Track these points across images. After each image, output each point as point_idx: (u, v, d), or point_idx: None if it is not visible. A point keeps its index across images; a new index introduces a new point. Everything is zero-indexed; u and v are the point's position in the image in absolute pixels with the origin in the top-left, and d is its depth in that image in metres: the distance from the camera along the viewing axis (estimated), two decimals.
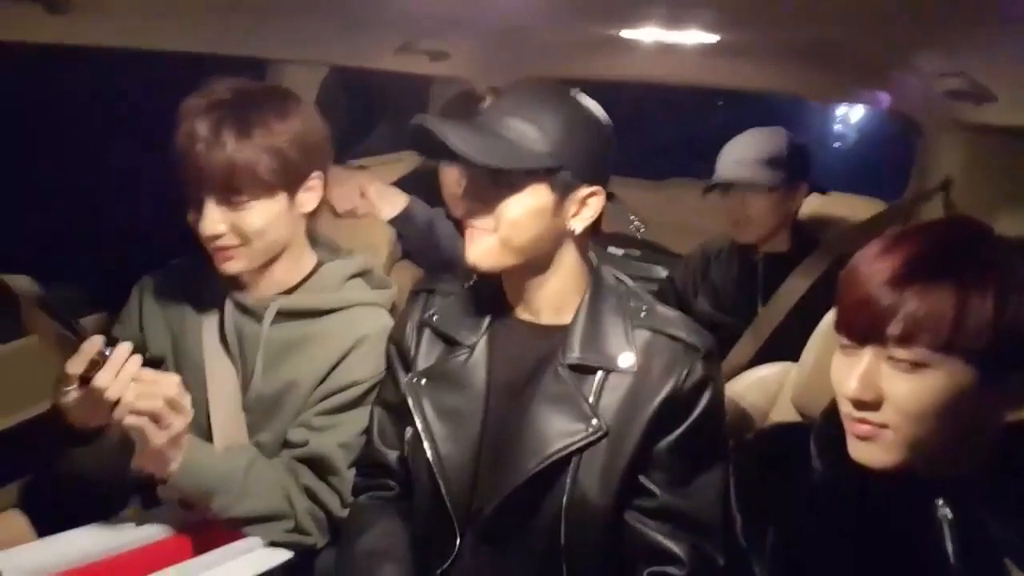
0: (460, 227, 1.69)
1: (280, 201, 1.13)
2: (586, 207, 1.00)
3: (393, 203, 1.60)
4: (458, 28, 1.77)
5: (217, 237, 1.09)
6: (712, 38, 1.70)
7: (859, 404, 0.76)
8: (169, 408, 0.97)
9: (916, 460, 0.76)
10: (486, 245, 0.98)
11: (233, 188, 1.07)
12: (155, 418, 0.96)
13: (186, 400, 1.00)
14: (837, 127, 6.46)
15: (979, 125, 1.55)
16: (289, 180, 1.13)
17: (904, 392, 0.74)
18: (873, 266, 0.77)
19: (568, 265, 1.04)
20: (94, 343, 0.94)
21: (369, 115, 2.62)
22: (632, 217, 2.31)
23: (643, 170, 2.76)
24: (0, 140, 1.67)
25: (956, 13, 1.12)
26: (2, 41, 0.97)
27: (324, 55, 1.63)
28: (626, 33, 1.72)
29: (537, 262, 1.02)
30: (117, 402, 0.94)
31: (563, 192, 0.98)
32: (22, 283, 0.91)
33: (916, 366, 0.73)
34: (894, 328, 0.73)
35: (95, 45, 1.12)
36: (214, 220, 1.08)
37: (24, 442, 1.29)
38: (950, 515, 0.78)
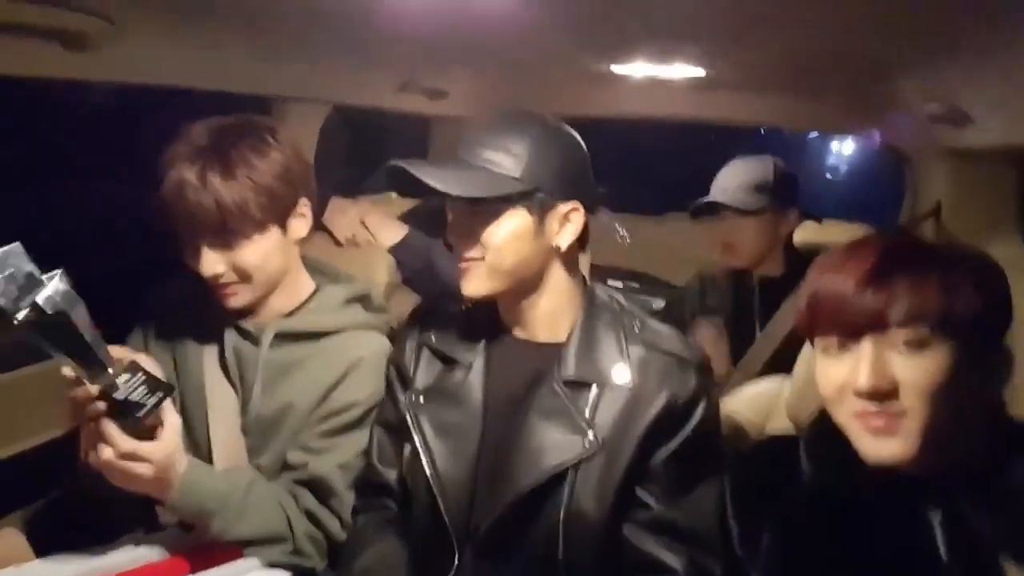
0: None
1: (273, 233, 1.15)
2: (568, 223, 1.04)
3: (392, 232, 1.65)
4: (455, 66, 1.84)
5: (217, 277, 1.12)
6: (700, 72, 1.76)
7: (875, 395, 0.76)
8: (127, 461, 0.95)
9: (927, 450, 0.76)
10: (478, 273, 1.02)
11: (226, 229, 1.09)
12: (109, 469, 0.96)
13: (151, 449, 0.96)
14: (829, 158, 6.57)
15: (961, 149, 1.59)
16: (278, 212, 1.15)
17: (917, 372, 0.75)
18: (849, 265, 0.80)
19: (558, 283, 1.07)
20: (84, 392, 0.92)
21: (370, 157, 2.69)
22: (617, 227, 2.35)
23: (642, 206, 2.82)
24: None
25: (936, 37, 1.17)
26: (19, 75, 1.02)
27: (326, 93, 1.70)
28: (617, 69, 1.79)
29: (527, 283, 1.05)
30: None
31: (541, 212, 1.01)
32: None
33: (920, 345, 0.75)
34: (897, 311, 0.75)
35: (110, 81, 1.17)
36: (212, 262, 1.11)
37: (30, 469, 1.30)
38: (941, 515, 0.79)
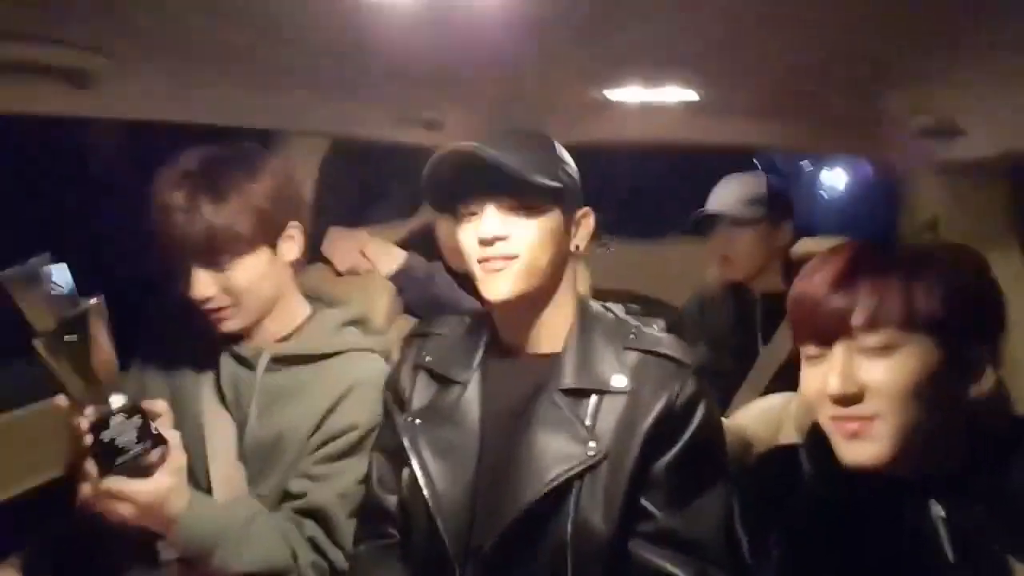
0: (458, 279, 1.74)
1: (263, 255, 1.17)
2: (582, 227, 1.08)
3: (392, 259, 1.65)
4: (450, 97, 1.87)
5: (208, 300, 1.13)
6: (692, 96, 1.79)
7: (843, 400, 0.77)
8: (107, 499, 0.95)
9: (904, 450, 0.76)
10: (510, 274, 1.01)
11: (216, 251, 1.11)
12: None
13: (135, 489, 0.96)
14: (823, 178, 6.61)
15: (954, 162, 1.60)
16: (268, 234, 1.17)
17: (882, 376, 0.76)
18: (819, 275, 0.82)
19: (567, 291, 1.09)
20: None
21: (377, 182, 2.73)
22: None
23: (639, 230, 2.83)
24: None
25: (925, 52, 1.19)
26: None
27: (325, 126, 1.72)
28: (611, 94, 1.81)
29: (546, 287, 1.05)
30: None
31: (569, 212, 1.05)
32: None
33: (888, 348, 0.76)
34: (858, 317, 0.76)
35: (114, 118, 1.19)
36: (203, 285, 1.12)
37: (29, 511, 1.29)
38: (944, 514, 0.78)
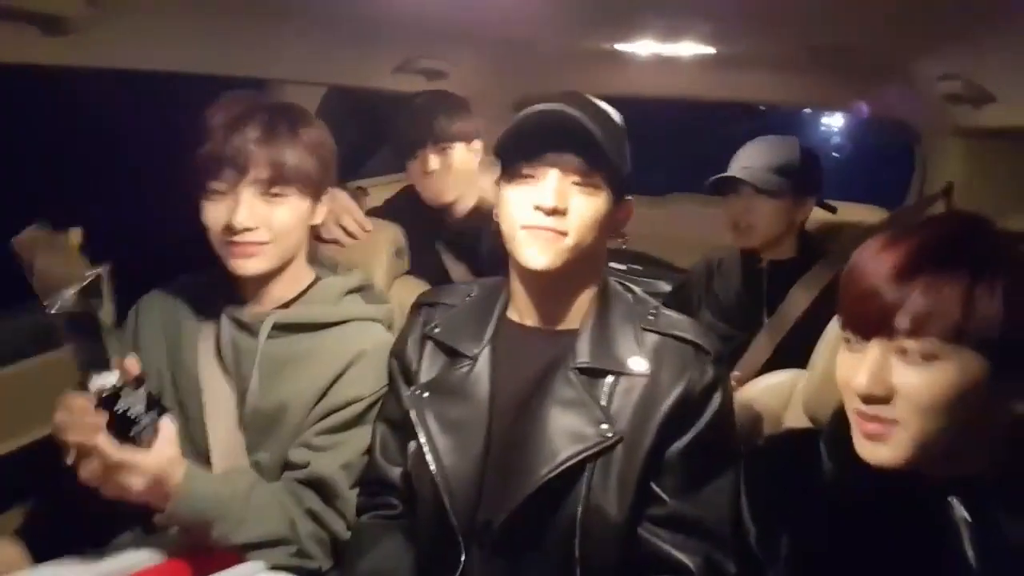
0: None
1: (306, 205, 1.17)
2: (624, 213, 1.06)
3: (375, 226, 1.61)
4: (455, 46, 1.78)
5: (247, 231, 1.11)
6: (709, 50, 1.71)
7: (869, 399, 0.74)
8: (115, 472, 0.93)
9: (924, 458, 0.74)
10: (557, 248, 0.97)
11: (280, 180, 1.12)
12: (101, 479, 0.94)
13: (142, 459, 0.95)
14: (834, 136, 6.49)
15: (979, 128, 1.54)
16: (317, 186, 1.18)
17: (915, 384, 0.72)
18: (876, 260, 0.76)
19: (595, 270, 1.06)
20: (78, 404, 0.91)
21: (372, 137, 2.63)
22: None
23: (643, 186, 2.76)
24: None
25: (952, 16, 1.12)
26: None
27: (321, 75, 1.65)
28: (623, 47, 1.73)
29: (581, 266, 1.02)
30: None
31: (619, 196, 1.03)
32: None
33: (927, 358, 0.71)
34: (902, 320, 0.71)
35: (92, 67, 1.12)
36: (248, 211, 1.10)
37: (26, 465, 1.27)
38: (967, 516, 0.76)
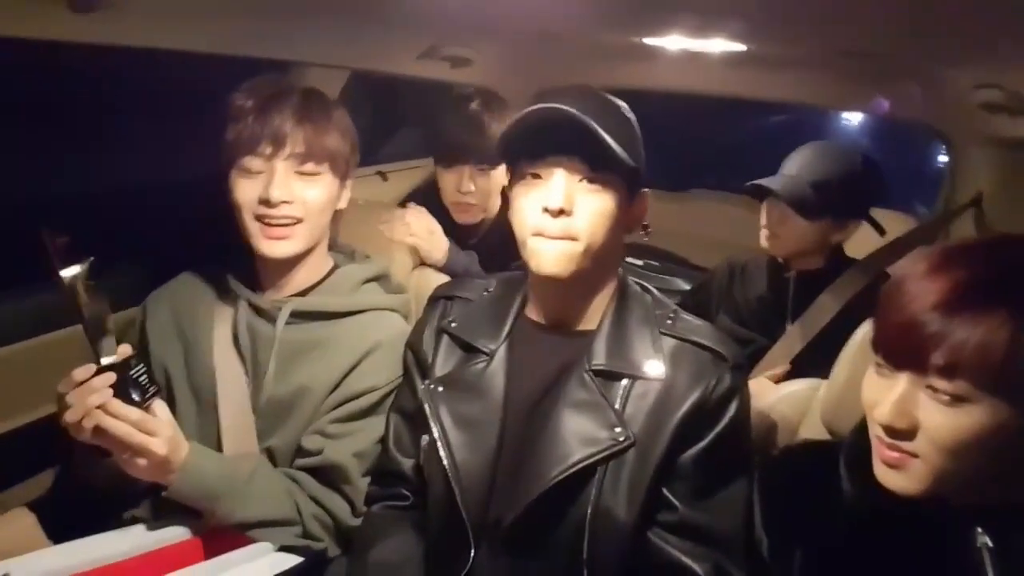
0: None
1: (336, 185, 1.19)
2: (639, 207, 1.04)
3: (438, 249, 1.60)
4: (482, 35, 1.76)
5: (284, 203, 1.12)
6: (739, 47, 1.67)
7: (890, 431, 0.72)
8: (136, 432, 0.95)
9: (943, 490, 0.73)
10: (569, 254, 0.96)
11: (314, 157, 1.13)
12: (121, 444, 0.95)
13: (158, 424, 0.98)
14: (863, 139, 6.36)
15: (1015, 139, 1.50)
16: (345, 168, 1.21)
17: (941, 425, 0.70)
18: (920, 286, 0.72)
19: (612, 270, 1.05)
20: (85, 371, 0.93)
21: (392, 119, 2.62)
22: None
23: (663, 181, 2.73)
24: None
25: (993, 23, 1.09)
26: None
27: (346, 59, 1.63)
28: (651, 41, 1.70)
29: (597, 267, 1.00)
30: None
31: (632, 191, 1.01)
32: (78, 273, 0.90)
33: (957, 399, 0.69)
34: (938, 358, 0.69)
35: (119, 44, 1.11)
36: (286, 186, 1.12)
37: (38, 439, 1.29)
38: (991, 543, 0.74)
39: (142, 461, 0.97)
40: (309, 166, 1.13)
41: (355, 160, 1.23)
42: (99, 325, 0.94)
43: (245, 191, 1.12)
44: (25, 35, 0.97)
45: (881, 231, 1.60)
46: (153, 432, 0.96)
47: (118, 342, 0.96)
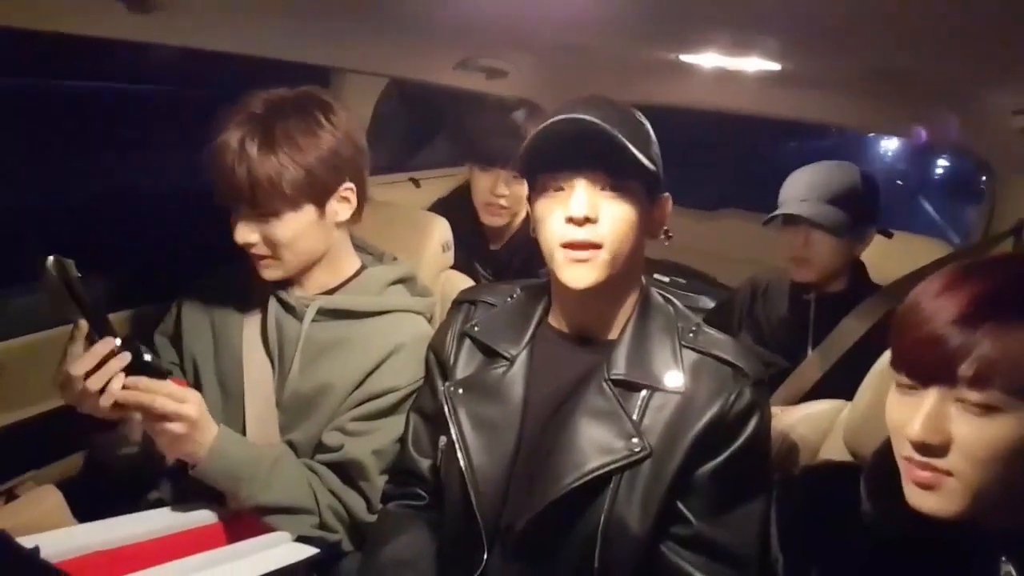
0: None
1: (308, 213, 1.13)
2: (661, 212, 1.04)
3: None
4: (518, 47, 1.78)
5: (249, 246, 1.13)
6: (774, 67, 1.67)
7: (923, 448, 0.71)
8: (163, 407, 0.97)
9: (975, 509, 0.71)
10: (595, 265, 0.96)
11: (257, 200, 1.08)
12: (148, 414, 0.98)
13: (186, 391, 1.01)
14: (900, 163, 6.22)
15: None
16: (315, 193, 1.12)
17: (974, 436, 0.69)
18: (939, 302, 0.72)
19: (636, 278, 1.05)
20: (106, 344, 0.95)
21: (428, 127, 2.66)
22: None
23: (694, 199, 2.72)
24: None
25: None
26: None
27: (384, 67, 1.67)
28: (687, 58, 1.70)
29: (622, 275, 1.00)
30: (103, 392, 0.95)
31: (653, 196, 1.01)
32: (65, 266, 0.93)
33: (988, 409, 0.68)
34: (967, 369, 0.68)
35: (172, 44, 1.16)
36: (245, 230, 1.12)
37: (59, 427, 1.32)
38: (1015, 573, 0.73)
39: (177, 426, 0.99)
40: (262, 210, 1.10)
41: (342, 176, 1.16)
42: (99, 312, 0.97)
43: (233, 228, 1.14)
44: (81, 33, 1.02)
45: (889, 235, 1.67)
46: (182, 399, 0.99)
47: (147, 337, 0.99)
